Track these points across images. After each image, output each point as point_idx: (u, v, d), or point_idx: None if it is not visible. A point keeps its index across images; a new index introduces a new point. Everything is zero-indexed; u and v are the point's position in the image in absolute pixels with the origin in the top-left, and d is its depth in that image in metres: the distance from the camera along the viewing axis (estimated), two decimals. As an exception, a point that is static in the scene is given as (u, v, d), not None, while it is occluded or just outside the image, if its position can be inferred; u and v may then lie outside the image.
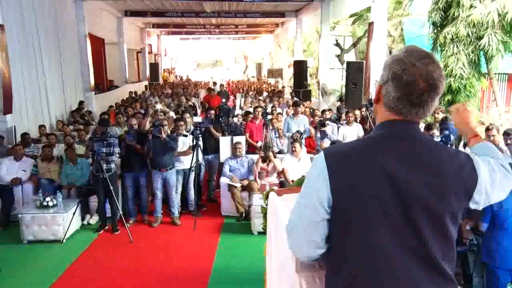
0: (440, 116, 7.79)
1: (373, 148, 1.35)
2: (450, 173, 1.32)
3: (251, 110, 11.30)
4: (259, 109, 8.28)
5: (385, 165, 1.30)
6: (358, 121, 8.74)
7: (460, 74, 9.42)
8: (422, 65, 1.31)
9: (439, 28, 10.00)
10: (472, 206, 1.39)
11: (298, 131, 7.69)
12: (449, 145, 5.78)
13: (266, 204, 2.08)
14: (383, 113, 1.41)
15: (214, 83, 18.34)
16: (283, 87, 20.91)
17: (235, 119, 9.26)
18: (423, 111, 1.35)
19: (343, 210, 1.33)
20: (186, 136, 6.67)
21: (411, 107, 1.34)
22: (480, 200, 1.38)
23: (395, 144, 1.34)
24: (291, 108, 10.44)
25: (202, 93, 18.72)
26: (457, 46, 9.41)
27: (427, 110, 1.35)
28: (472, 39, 9.26)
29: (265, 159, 6.79)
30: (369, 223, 1.30)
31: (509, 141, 5.85)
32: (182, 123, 6.76)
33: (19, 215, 5.76)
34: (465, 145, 6.50)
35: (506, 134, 5.98)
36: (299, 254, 1.46)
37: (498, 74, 11.29)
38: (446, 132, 5.88)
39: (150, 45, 28.06)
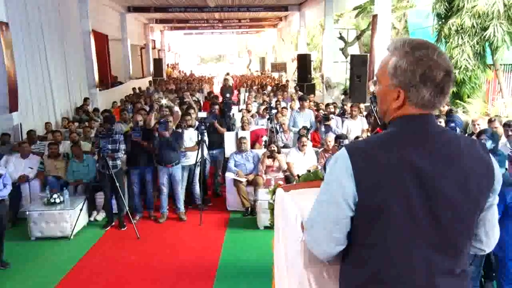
0: (446, 108, 7.76)
1: (396, 143, 1.33)
2: (470, 164, 1.33)
3: (255, 104, 11.32)
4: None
5: (410, 159, 1.29)
6: (363, 115, 8.71)
7: (465, 65, 9.37)
8: (439, 57, 1.31)
9: (443, 20, 9.94)
10: (491, 195, 1.39)
11: (304, 127, 7.69)
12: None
13: (273, 200, 2.09)
14: (406, 110, 1.37)
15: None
16: (287, 81, 20.88)
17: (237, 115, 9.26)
18: (446, 99, 1.37)
19: (368, 206, 1.31)
20: (193, 127, 6.73)
21: (444, 98, 1.35)
22: (497, 188, 1.38)
23: (417, 138, 1.34)
24: (294, 101, 10.42)
25: (206, 88, 18.70)
26: (462, 38, 9.35)
27: (447, 97, 1.37)
28: (477, 30, 9.20)
29: (270, 156, 6.77)
30: (394, 219, 1.30)
31: (510, 133, 5.82)
32: (189, 117, 6.87)
33: (27, 212, 5.81)
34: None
35: (506, 125, 5.96)
36: (317, 250, 1.45)
37: (504, 65, 11.21)
38: (452, 124, 5.86)
39: (154, 40, 28.07)
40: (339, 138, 6.70)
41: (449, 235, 1.30)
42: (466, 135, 6.95)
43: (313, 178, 2.04)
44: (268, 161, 6.73)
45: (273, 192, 2.09)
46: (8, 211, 6.27)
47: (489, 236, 1.46)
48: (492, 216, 1.44)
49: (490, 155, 1.39)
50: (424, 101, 1.33)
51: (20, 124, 8.56)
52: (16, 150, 7.00)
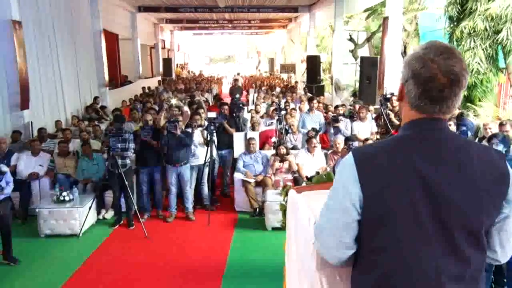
0: (456, 112, 7.69)
1: (402, 149, 1.33)
2: (481, 172, 1.30)
3: (264, 105, 11.31)
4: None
5: (416, 165, 1.28)
6: (372, 117, 8.67)
7: (477, 69, 9.27)
8: (441, 60, 1.28)
9: (455, 22, 9.84)
10: (506, 205, 1.35)
11: (313, 129, 7.66)
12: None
13: (286, 202, 2.08)
14: (408, 111, 1.39)
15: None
16: (296, 82, 20.84)
17: (247, 115, 9.27)
18: (447, 106, 1.32)
19: (374, 211, 1.31)
20: (202, 127, 6.75)
21: (433, 103, 1.31)
22: None
23: (424, 144, 1.32)
24: (304, 103, 10.40)
25: (215, 88, 18.71)
26: (474, 41, 9.25)
27: (451, 106, 1.32)
28: (490, 33, 9.10)
29: (282, 161, 6.74)
30: (400, 224, 1.29)
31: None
32: (198, 117, 6.92)
33: (37, 210, 5.85)
34: (480, 141, 6.41)
35: None
36: (328, 256, 1.45)
37: (516, 68, 11.06)
38: (464, 128, 5.80)
39: (164, 40, 28.21)
40: (348, 140, 6.68)
41: (456, 242, 1.28)
42: (477, 139, 6.88)
43: (326, 180, 2.03)
44: (277, 163, 6.70)
45: (286, 194, 2.08)
46: (18, 208, 6.35)
47: (505, 247, 1.42)
48: (508, 227, 1.39)
49: (507, 163, 1.35)
50: (412, 100, 1.34)
51: (31, 122, 8.63)
52: (27, 148, 7.06)
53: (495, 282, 4.05)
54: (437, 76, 1.28)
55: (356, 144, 6.29)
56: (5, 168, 5.01)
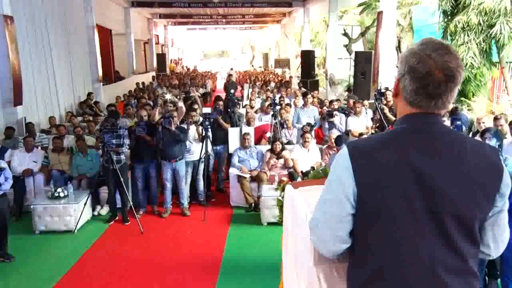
0: (451, 106, 7.72)
1: (397, 142, 1.34)
2: (474, 166, 1.31)
3: (259, 100, 11.30)
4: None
5: (410, 159, 1.29)
6: (367, 111, 8.67)
7: (471, 63, 9.31)
8: (438, 56, 1.29)
9: (449, 17, 9.87)
10: (499, 199, 1.36)
11: (308, 124, 7.66)
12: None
13: (282, 197, 2.08)
14: (403, 106, 1.40)
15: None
16: (291, 77, 20.82)
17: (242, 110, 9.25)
18: (442, 102, 1.33)
19: (369, 204, 1.32)
20: (197, 123, 6.74)
21: (429, 99, 1.32)
22: (506, 192, 1.36)
23: (418, 138, 1.33)
24: (298, 98, 10.40)
25: (210, 83, 18.65)
26: (468, 35, 9.29)
27: (446, 101, 1.34)
28: (484, 28, 9.14)
29: (277, 156, 6.72)
30: (394, 218, 1.30)
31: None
32: (194, 113, 6.91)
33: (31, 206, 5.82)
34: (474, 135, 6.46)
35: None
36: (323, 249, 1.46)
37: (510, 63, 11.12)
38: (458, 122, 5.82)
39: (157, 35, 28.05)
40: (337, 144, 6.37)
41: (449, 234, 1.29)
42: (471, 133, 6.92)
43: (322, 175, 2.03)
44: (272, 160, 6.69)
45: (283, 189, 2.08)
46: (12, 204, 6.31)
47: (497, 242, 1.44)
48: (501, 221, 1.41)
49: (501, 159, 1.37)
50: (408, 95, 1.35)
51: (24, 118, 8.56)
52: (21, 144, 7.01)
53: (488, 274, 4.09)
54: (433, 72, 1.29)
55: (343, 146, 6.19)
56: (3, 164, 4.97)
